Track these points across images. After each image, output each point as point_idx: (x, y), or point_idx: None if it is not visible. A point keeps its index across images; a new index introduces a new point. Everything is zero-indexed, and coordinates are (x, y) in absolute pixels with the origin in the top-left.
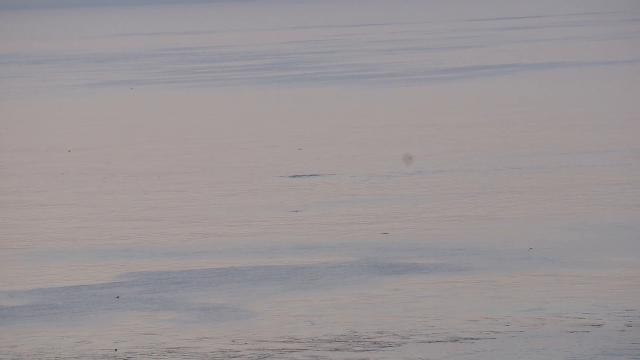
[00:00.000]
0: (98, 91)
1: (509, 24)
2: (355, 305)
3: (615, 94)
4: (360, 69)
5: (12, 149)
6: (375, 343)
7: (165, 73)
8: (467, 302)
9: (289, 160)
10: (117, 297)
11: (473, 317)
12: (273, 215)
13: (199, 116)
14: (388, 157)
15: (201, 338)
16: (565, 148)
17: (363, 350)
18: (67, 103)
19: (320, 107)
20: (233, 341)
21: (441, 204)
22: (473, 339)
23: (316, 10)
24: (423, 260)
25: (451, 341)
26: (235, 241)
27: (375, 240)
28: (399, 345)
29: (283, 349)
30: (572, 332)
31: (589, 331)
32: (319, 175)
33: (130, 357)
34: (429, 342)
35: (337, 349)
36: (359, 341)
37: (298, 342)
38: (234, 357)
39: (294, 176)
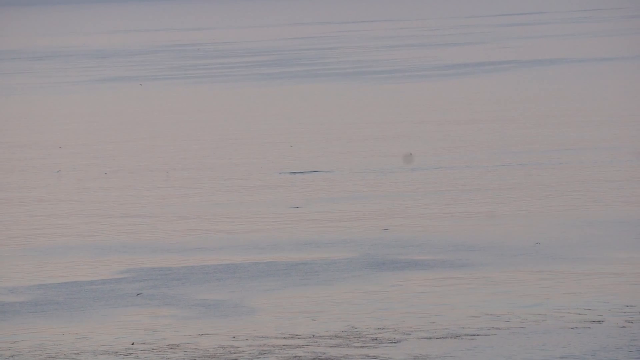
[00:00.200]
0: (99, 87)
1: (509, 21)
2: (355, 301)
3: (616, 91)
4: (361, 66)
5: (12, 145)
6: (375, 339)
7: (166, 69)
8: (468, 299)
9: (289, 157)
10: (139, 294)
11: (473, 313)
12: (273, 212)
13: (200, 113)
14: (388, 154)
15: (202, 334)
16: (566, 144)
17: (363, 346)
18: (69, 99)
19: (320, 103)
20: (234, 337)
21: (441, 200)
22: (473, 335)
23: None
24: (424, 256)
25: (452, 337)
26: (235, 237)
27: (376, 237)
28: (400, 341)
29: (284, 345)
30: (572, 328)
31: (589, 327)
32: (319, 171)
33: (131, 353)
34: (430, 338)
35: (337, 345)
36: (359, 337)
37: (299, 338)
38: (235, 353)
39: (294, 172)
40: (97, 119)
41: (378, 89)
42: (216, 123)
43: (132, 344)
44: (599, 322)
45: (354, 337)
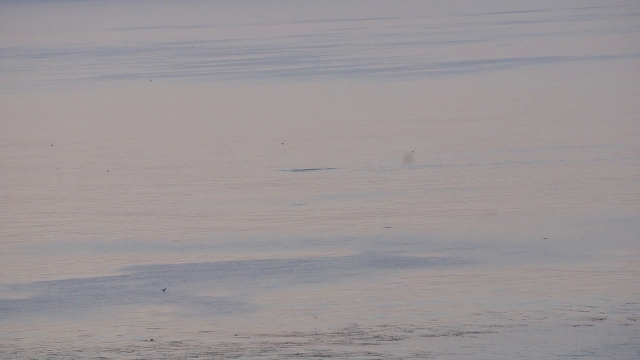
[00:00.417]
0: (101, 85)
1: (510, 18)
2: (357, 299)
3: (617, 88)
4: (362, 63)
5: (14, 142)
6: (377, 336)
7: (168, 67)
8: (470, 296)
9: (291, 155)
10: (164, 290)
11: (476, 311)
12: (275, 209)
13: (201, 110)
14: (390, 151)
15: (204, 331)
16: (567, 142)
17: (365, 344)
18: (70, 97)
19: (321, 101)
20: (235, 335)
21: (443, 197)
22: (476, 332)
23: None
24: (425, 254)
25: (453, 335)
26: (237, 235)
27: (378, 234)
28: (401, 338)
29: (286, 342)
30: (575, 325)
31: (591, 325)
32: (320, 169)
33: (133, 350)
34: (432, 335)
35: (339, 343)
36: (361, 334)
37: (300, 336)
38: (237, 350)
39: (295, 170)
40: (98, 117)
41: (379, 86)
42: (217, 120)
43: (152, 339)
44: (601, 319)
45: (356, 335)
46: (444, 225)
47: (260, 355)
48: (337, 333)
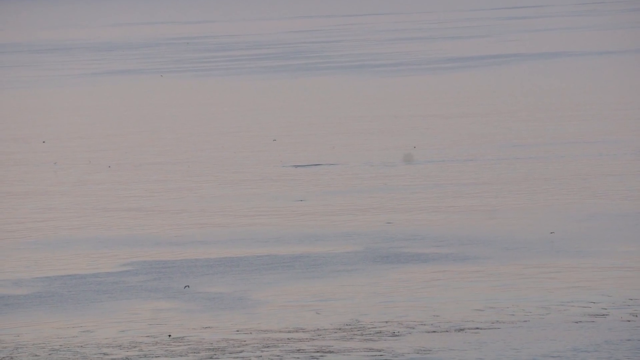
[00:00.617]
0: (102, 80)
1: (511, 14)
2: (359, 295)
3: (619, 84)
4: (364, 59)
5: (16, 138)
6: (379, 332)
7: (169, 63)
8: (472, 292)
9: (292, 150)
10: (187, 287)
11: (478, 307)
12: (276, 205)
13: (202, 106)
14: (391, 147)
15: (205, 327)
16: (568, 138)
17: (368, 340)
18: (71, 92)
19: (323, 96)
20: (237, 331)
21: (445, 193)
22: (478, 328)
23: None
24: (428, 249)
25: (455, 330)
26: (239, 230)
27: (380, 230)
28: (403, 334)
29: (288, 338)
30: (577, 322)
31: (593, 321)
32: (322, 164)
33: (135, 347)
34: (434, 331)
35: (341, 338)
36: (363, 330)
37: (303, 332)
38: (239, 346)
39: (297, 166)
40: (99, 112)
41: (381, 82)
42: (218, 116)
43: (169, 335)
44: (603, 315)
45: (358, 331)
46: (446, 221)
47: (262, 351)
48: (339, 329)
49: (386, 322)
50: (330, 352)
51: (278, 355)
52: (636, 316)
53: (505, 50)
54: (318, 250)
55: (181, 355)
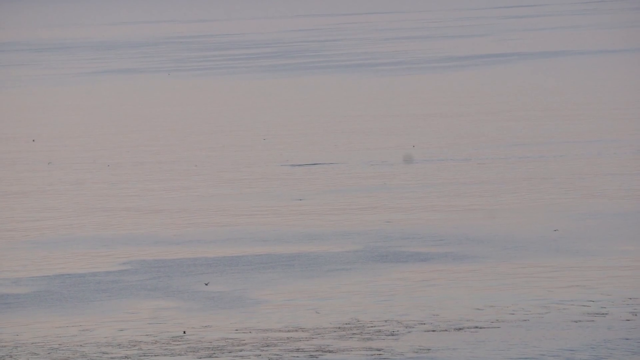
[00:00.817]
0: (101, 80)
1: (511, 13)
2: (358, 294)
3: (619, 83)
4: (363, 58)
5: (18, 137)
6: (379, 331)
7: (169, 62)
8: (471, 291)
9: (291, 149)
10: (207, 284)
11: (478, 306)
12: (276, 204)
13: (201, 105)
14: (390, 146)
15: (205, 326)
16: (568, 137)
17: (367, 339)
18: (71, 91)
19: (322, 95)
20: (237, 330)
21: (444, 192)
22: (477, 327)
23: None
24: (427, 248)
25: (455, 330)
26: (238, 230)
27: (379, 229)
28: (404, 333)
29: (287, 337)
30: (576, 321)
31: (593, 320)
32: (321, 164)
33: (135, 345)
34: (433, 330)
35: (340, 337)
36: (362, 329)
37: (302, 331)
38: (238, 345)
39: (296, 165)
40: (97, 111)
41: (380, 81)
42: (217, 115)
43: (184, 332)
44: (603, 314)
45: (357, 330)
46: (445, 220)
47: (262, 350)
48: (338, 328)
49: (385, 321)
50: (329, 351)
51: (277, 354)
52: (635, 315)
53: (505, 49)
54: (317, 250)
55: (180, 354)
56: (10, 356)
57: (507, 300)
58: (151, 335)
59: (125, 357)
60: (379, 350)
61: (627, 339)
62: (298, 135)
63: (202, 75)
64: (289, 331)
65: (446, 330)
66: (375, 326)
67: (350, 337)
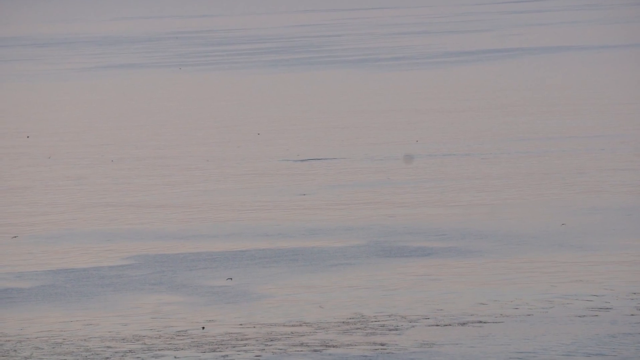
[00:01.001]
0: (104, 74)
1: (513, 8)
2: (362, 289)
3: (620, 78)
4: (365, 53)
5: (20, 132)
6: (383, 326)
7: (172, 57)
8: (475, 286)
9: (294, 144)
10: (230, 279)
11: (481, 301)
12: (279, 199)
13: (204, 100)
14: (393, 141)
15: (209, 321)
16: (571, 132)
17: (371, 334)
18: (73, 86)
19: (324, 90)
20: (241, 324)
21: (448, 187)
22: (481, 322)
23: None
24: (430, 243)
25: (459, 324)
26: (242, 225)
27: (382, 223)
28: (408, 328)
29: (291, 332)
30: (580, 316)
31: (597, 315)
32: (325, 158)
33: (138, 340)
34: (437, 325)
35: (344, 332)
36: (366, 324)
37: (306, 326)
38: (242, 340)
39: (299, 160)
40: (102, 106)
41: (383, 76)
42: (220, 110)
43: (203, 328)
44: (607, 309)
45: (361, 324)
46: (449, 215)
47: (266, 344)
48: (342, 322)
49: (389, 315)
50: (333, 345)
51: (281, 349)
52: (639, 310)
53: (507, 44)
54: (320, 244)
55: (184, 349)
56: (15, 350)
57: (510, 295)
58: (155, 329)
59: (129, 351)
60: (382, 344)
61: (631, 333)
62: (301, 130)
63: (205, 71)
64: (292, 326)
65: (450, 325)
66: (378, 321)
67: (354, 332)
